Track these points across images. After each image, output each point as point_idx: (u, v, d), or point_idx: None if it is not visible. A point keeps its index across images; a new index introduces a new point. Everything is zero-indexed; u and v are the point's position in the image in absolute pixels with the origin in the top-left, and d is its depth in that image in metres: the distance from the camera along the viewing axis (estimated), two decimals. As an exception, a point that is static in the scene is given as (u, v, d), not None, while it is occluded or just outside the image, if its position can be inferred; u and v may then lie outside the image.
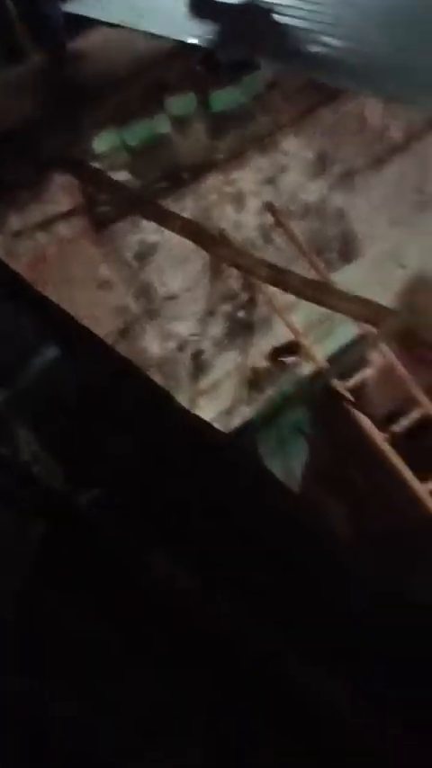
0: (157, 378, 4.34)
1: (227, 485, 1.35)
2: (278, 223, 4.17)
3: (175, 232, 3.87)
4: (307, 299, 2.85)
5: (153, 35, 3.24)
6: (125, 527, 1.16)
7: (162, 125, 3.62)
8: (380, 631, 1.10)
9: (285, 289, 3.92)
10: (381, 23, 2.66)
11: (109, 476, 1.24)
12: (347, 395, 3.90)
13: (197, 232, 3.80)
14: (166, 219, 3.79)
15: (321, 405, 4.76)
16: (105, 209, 3.69)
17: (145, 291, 3.92)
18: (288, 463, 5.99)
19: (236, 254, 3.97)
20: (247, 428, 5.11)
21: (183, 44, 3.13)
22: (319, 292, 2.54)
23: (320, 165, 4.15)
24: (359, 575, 1.32)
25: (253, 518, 1.26)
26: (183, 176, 3.68)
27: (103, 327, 3.88)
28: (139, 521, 1.18)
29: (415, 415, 3.68)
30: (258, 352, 4.60)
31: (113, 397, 1.39)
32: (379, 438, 3.42)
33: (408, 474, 3.10)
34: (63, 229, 3.62)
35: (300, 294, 3.54)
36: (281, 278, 3.83)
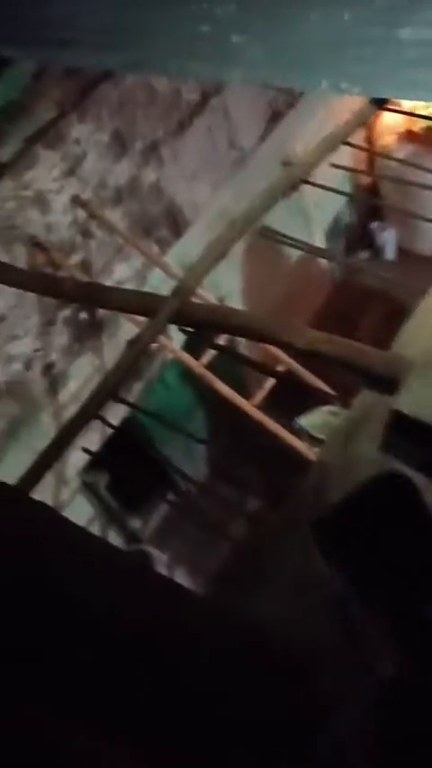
0: (11, 403, 4.09)
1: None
2: (92, 215, 3.95)
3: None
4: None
5: None
6: None
7: None
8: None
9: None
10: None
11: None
12: (204, 372, 3.75)
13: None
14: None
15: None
16: None
17: (-34, 320, 3.65)
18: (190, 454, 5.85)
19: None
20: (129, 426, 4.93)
21: None
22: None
23: (119, 145, 3.94)
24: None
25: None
26: (-31, 191, 3.41)
27: None
28: None
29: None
30: (113, 350, 4.39)
31: None
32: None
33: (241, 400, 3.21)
34: None
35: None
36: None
